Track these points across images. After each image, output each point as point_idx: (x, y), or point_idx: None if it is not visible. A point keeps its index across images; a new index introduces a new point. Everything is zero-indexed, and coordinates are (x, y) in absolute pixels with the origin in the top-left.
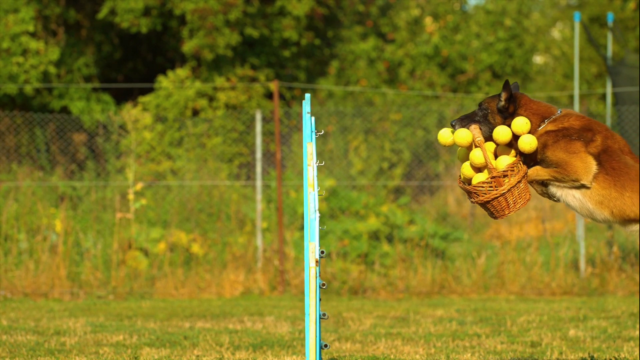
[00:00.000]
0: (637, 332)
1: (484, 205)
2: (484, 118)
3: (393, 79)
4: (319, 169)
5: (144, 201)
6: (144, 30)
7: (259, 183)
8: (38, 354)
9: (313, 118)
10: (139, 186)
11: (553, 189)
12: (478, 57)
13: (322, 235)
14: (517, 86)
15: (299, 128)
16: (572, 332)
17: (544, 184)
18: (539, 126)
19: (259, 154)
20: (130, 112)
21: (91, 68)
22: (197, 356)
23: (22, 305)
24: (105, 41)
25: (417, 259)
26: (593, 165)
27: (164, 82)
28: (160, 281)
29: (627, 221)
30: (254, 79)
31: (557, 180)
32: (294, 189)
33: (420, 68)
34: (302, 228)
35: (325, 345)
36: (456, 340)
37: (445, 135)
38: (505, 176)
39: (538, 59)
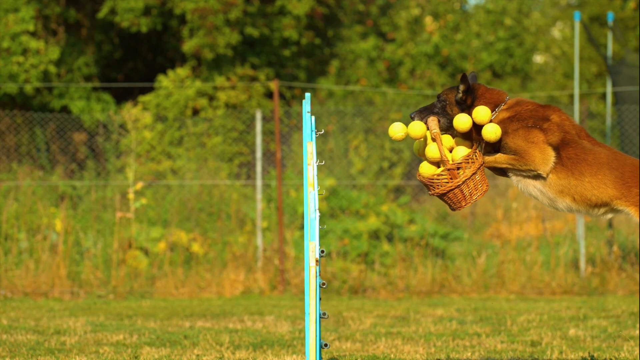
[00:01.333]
0: (637, 332)
1: (441, 197)
2: (443, 110)
3: (393, 79)
4: (319, 168)
5: (144, 200)
6: (144, 29)
7: (259, 182)
8: (38, 353)
9: (313, 117)
10: (139, 185)
11: (514, 179)
12: (478, 56)
13: (322, 235)
14: (474, 77)
15: (299, 127)
16: (572, 332)
17: (504, 171)
18: (493, 113)
19: (259, 154)
20: (131, 112)
21: (91, 67)
22: (197, 355)
23: (23, 305)
24: (106, 41)
25: (417, 258)
26: (551, 157)
27: (164, 81)
28: (160, 280)
29: (590, 206)
30: (254, 79)
31: (514, 168)
32: (294, 189)
33: (420, 67)
34: (302, 227)
35: (326, 345)
36: (456, 340)
37: (395, 129)
38: (459, 168)
39: (538, 59)
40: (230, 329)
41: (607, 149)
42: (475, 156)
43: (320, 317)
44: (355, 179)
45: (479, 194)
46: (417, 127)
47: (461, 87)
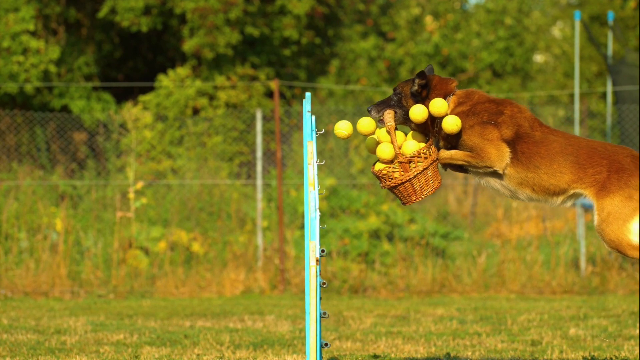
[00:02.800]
0: (638, 331)
1: (392, 190)
2: (399, 102)
3: (393, 78)
4: (320, 167)
5: (144, 200)
6: (144, 29)
7: (259, 182)
8: (38, 353)
9: (313, 117)
10: (140, 185)
11: (475, 176)
12: (478, 55)
13: (323, 234)
14: (431, 69)
15: (299, 127)
16: (572, 331)
17: (461, 168)
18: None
19: (259, 153)
20: (131, 111)
21: (91, 67)
22: (198, 355)
23: (23, 304)
24: (106, 40)
25: (418, 257)
26: (506, 153)
27: (165, 81)
28: (160, 280)
29: (550, 194)
30: (254, 78)
31: (470, 165)
32: (294, 188)
33: (420, 67)
34: (302, 227)
35: (326, 344)
36: (457, 339)
37: (340, 127)
38: (411, 162)
39: (538, 58)
40: (230, 328)
41: (560, 136)
42: (429, 152)
43: (320, 317)
44: (356, 178)
45: (430, 189)
46: (364, 124)
47: (417, 81)
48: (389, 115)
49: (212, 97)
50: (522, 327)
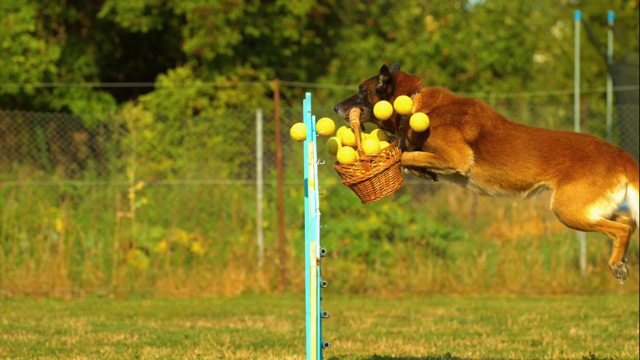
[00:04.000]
0: (638, 331)
1: (352, 188)
2: (365, 100)
3: None
4: (320, 167)
5: (144, 200)
6: (144, 29)
7: (259, 182)
8: (39, 353)
9: (314, 117)
10: (140, 185)
11: (442, 178)
12: (479, 55)
13: (323, 234)
14: (397, 66)
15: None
16: (573, 331)
17: (424, 170)
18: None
19: (259, 153)
20: (131, 111)
21: (92, 67)
22: (198, 355)
23: (23, 305)
24: (106, 40)
25: (418, 257)
26: (469, 155)
27: (165, 81)
28: (161, 280)
29: (517, 189)
30: (254, 78)
31: (433, 167)
32: (294, 188)
33: (421, 67)
34: (302, 227)
35: (326, 344)
36: (457, 339)
37: (296, 130)
38: (372, 161)
39: (539, 58)
40: (231, 328)
41: (523, 132)
42: (392, 152)
43: (321, 317)
44: None
45: (389, 190)
46: (324, 125)
47: (381, 77)
48: (354, 113)
49: (212, 98)
50: (522, 327)
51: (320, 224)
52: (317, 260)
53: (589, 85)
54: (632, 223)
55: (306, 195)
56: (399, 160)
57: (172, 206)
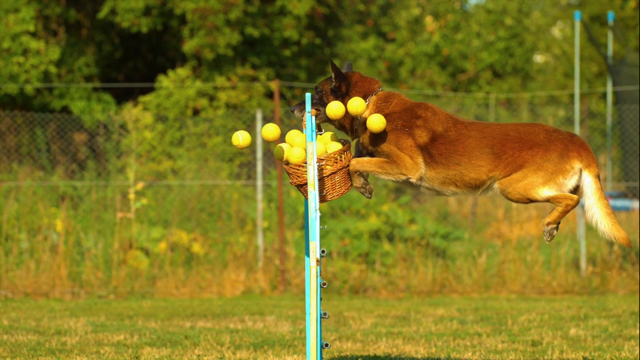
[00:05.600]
0: (638, 331)
1: (298, 188)
2: (320, 100)
3: (394, 78)
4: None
5: (144, 201)
6: (144, 29)
7: (259, 182)
8: (39, 354)
9: (314, 117)
10: (140, 186)
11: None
12: (478, 56)
13: (323, 235)
14: (349, 66)
15: (299, 127)
16: (573, 331)
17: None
18: (366, 104)
19: (259, 154)
20: (131, 112)
21: (92, 68)
22: (198, 356)
23: (23, 305)
24: (106, 41)
25: (418, 258)
26: (420, 163)
27: (165, 81)
28: (161, 281)
29: (472, 187)
30: (254, 79)
31: (385, 173)
32: (294, 189)
33: (420, 67)
34: (302, 227)
35: (326, 345)
36: (457, 340)
37: (238, 137)
38: (319, 164)
39: (539, 58)
40: (231, 329)
41: (475, 130)
42: (342, 156)
43: (321, 317)
44: None
45: (335, 194)
46: (269, 130)
47: (333, 76)
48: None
49: (212, 98)
50: (522, 327)
51: (320, 225)
52: (317, 261)
53: (589, 86)
54: (577, 200)
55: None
56: (347, 166)
57: (172, 207)
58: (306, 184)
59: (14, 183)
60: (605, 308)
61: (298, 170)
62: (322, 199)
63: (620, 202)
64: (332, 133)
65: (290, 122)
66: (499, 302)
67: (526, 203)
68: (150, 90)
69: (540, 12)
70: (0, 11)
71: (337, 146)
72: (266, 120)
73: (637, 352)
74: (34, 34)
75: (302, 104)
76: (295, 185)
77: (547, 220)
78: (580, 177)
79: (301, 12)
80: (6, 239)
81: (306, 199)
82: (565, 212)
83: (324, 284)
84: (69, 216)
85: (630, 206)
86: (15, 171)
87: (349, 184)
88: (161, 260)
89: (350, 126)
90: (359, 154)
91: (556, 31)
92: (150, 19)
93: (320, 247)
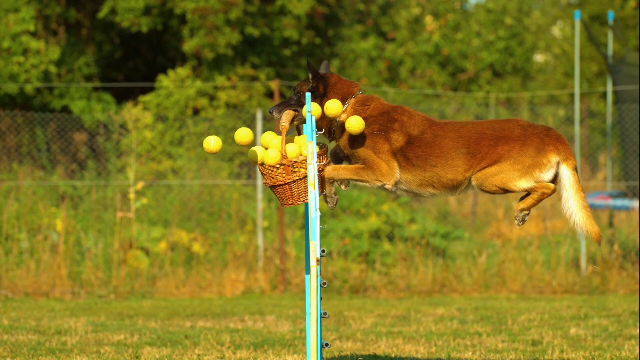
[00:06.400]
0: (638, 331)
1: (272, 189)
2: (298, 101)
3: (394, 78)
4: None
5: (144, 200)
6: (144, 29)
7: (259, 182)
8: (39, 353)
9: (314, 117)
10: (140, 185)
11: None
12: (478, 55)
13: (323, 234)
14: (327, 66)
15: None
16: (573, 331)
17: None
18: (343, 107)
19: None
20: (131, 112)
21: (92, 67)
22: (198, 355)
23: (23, 305)
24: (106, 40)
25: (418, 257)
26: (395, 168)
27: (165, 81)
28: (161, 280)
29: (450, 188)
30: (254, 78)
31: (361, 180)
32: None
33: (420, 67)
34: (303, 227)
35: (326, 344)
36: (457, 339)
37: (208, 142)
38: (294, 166)
39: (539, 58)
40: (231, 328)
41: (451, 131)
42: (318, 160)
43: (321, 317)
44: None
45: (308, 197)
46: (243, 134)
47: (310, 76)
48: (286, 116)
49: (212, 98)
50: (522, 327)
51: (321, 224)
52: (317, 260)
53: (589, 85)
54: (554, 189)
55: None
56: (322, 170)
57: (172, 206)
58: (279, 185)
59: (14, 183)
60: (605, 307)
61: (272, 171)
62: (295, 201)
63: (620, 202)
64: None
65: None
66: (499, 301)
67: (502, 194)
68: (150, 89)
69: (540, 12)
70: (0, 11)
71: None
72: (266, 119)
73: (637, 351)
74: (34, 34)
75: (280, 106)
76: (269, 186)
77: (522, 206)
78: (557, 169)
79: (301, 12)
80: (6, 238)
81: (279, 200)
82: (540, 200)
83: (324, 283)
84: (69, 216)
85: (630, 205)
86: (16, 171)
87: (321, 188)
88: (161, 260)
89: (327, 128)
90: (336, 156)
91: (556, 31)
92: (150, 19)
93: (321, 246)
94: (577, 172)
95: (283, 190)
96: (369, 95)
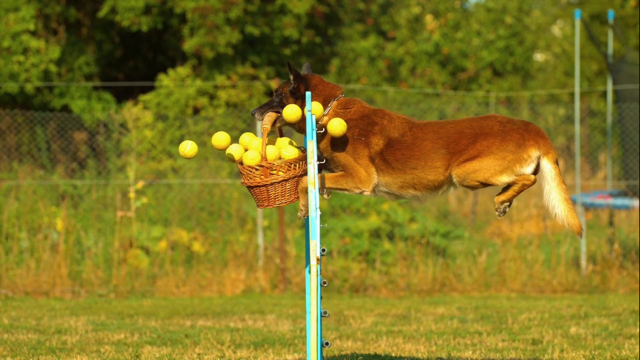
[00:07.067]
0: (638, 330)
1: (249, 189)
2: (280, 103)
3: (394, 77)
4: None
5: (145, 199)
6: (144, 28)
7: None
8: (39, 353)
9: (314, 116)
10: (140, 184)
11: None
12: (479, 54)
13: (323, 234)
14: (308, 67)
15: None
16: (573, 330)
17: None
18: (325, 110)
19: None
20: (131, 111)
21: (92, 66)
22: (199, 354)
23: (23, 304)
24: (106, 40)
25: (418, 256)
26: (373, 174)
27: (165, 80)
28: (161, 279)
29: (431, 189)
30: (254, 77)
31: (340, 188)
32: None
33: (421, 66)
34: (303, 226)
35: (327, 343)
36: (457, 338)
37: (184, 147)
38: (272, 168)
39: (539, 57)
40: (231, 327)
41: (430, 132)
42: (296, 165)
43: (321, 316)
44: None
45: (284, 201)
46: (219, 138)
47: (291, 77)
48: (268, 118)
49: (212, 97)
50: (522, 326)
51: (321, 223)
52: (318, 259)
53: (589, 84)
54: (534, 180)
55: None
56: (299, 175)
57: (173, 205)
58: (256, 186)
59: (14, 182)
60: (605, 306)
61: (251, 172)
62: (271, 203)
63: (620, 201)
64: (289, 139)
65: None
66: (499, 300)
67: (482, 188)
68: (151, 89)
69: (540, 11)
70: (1, 10)
71: (293, 150)
72: None
73: (638, 350)
74: (34, 33)
75: (263, 107)
76: (246, 186)
77: (502, 198)
78: (537, 164)
79: (301, 11)
80: (6, 237)
81: (255, 201)
82: (520, 191)
83: (324, 282)
84: (69, 215)
85: (630, 205)
86: (16, 170)
87: (296, 193)
88: (161, 259)
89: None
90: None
91: (556, 30)
92: (151, 18)
93: (321, 245)
94: (557, 165)
95: (260, 191)
96: (351, 99)
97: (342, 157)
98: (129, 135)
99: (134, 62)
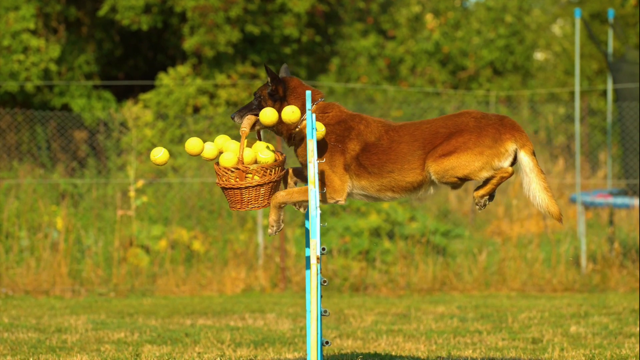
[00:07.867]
0: (638, 329)
1: (223, 190)
2: (259, 106)
3: (394, 76)
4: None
5: (145, 198)
6: (144, 27)
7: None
8: (39, 352)
9: (314, 115)
10: (140, 183)
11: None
12: (479, 53)
13: (324, 232)
14: (287, 69)
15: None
16: (573, 329)
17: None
18: (302, 114)
19: None
20: (131, 110)
21: (92, 65)
22: (199, 353)
23: (24, 303)
24: (106, 39)
25: (418, 255)
26: (347, 184)
27: (165, 79)
28: (161, 278)
29: (409, 190)
30: (254, 76)
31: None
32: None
33: (421, 65)
34: (303, 225)
35: (327, 342)
36: (457, 337)
37: (155, 153)
38: (248, 172)
39: (539, 56)
40: (231, 326)
41: (406, 134)
42: (273, 171)
43: (321, 315)
44: None
45: (257, 205)
46: (193, 144)
47: (268, 79)
48: (247, 121)
49: (212, 96)
50: (522, 325)
51: (321, 222)
52: (318, 258)
53: (589, 83)
54: (512, 172)
55: None
56: (275, 183)
57: (173, 204)
58: (230, 188)
59: (14, 181)
60: (605, 305)
61: (226, 173)
62: (243, 206)
63: (620, 200)
64: (266, 144)
65: None
66: (500, 299)
67: (461, 184)
68: (151, 88)
69: (540, 10)
70: (1, 9)
71: (269, 154)
72: None
73: (638, 349)
74: (34, 32)
75: (242, 111)
76: (220, 187)
77: (481, 193)
78: (515, 157)
79: (301, 10)
80: (6, 236)
81: (228, 202)
82: (498, 184)
83: (325, 281)
84: (69, 214)
85: (630, 203)
86: (16, 169)
87: (270, 199)
88: (161, 258)
89: (287, 134)
90: (299, 171)
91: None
92: (151, 17)
93: (321, 244)
94: (535, 156)
95: (234, 193)
96: (330, 103)
97: (319, 165)
98: (129, 134)
99: (134, 61)
